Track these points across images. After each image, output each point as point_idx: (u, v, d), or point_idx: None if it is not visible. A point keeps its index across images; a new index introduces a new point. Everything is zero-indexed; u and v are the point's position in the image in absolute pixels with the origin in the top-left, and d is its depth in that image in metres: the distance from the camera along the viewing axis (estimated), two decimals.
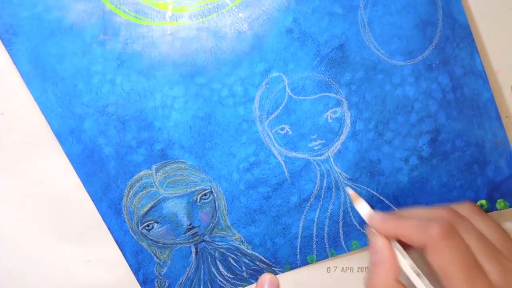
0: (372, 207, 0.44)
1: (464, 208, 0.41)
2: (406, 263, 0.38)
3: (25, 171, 0.45)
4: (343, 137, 0.44)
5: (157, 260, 0.46)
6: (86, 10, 0.42)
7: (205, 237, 0.46)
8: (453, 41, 0.43)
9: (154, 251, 0.46)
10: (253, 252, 0.46)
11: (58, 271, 0.47)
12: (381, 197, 0.45)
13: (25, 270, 0.46)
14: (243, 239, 0.46)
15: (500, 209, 0.44)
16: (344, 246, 0.46)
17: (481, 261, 0.36)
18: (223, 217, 0.46)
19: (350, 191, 0.44)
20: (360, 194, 0.45)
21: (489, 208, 0.44)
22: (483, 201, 0.44)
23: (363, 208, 0.42)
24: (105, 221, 0.45)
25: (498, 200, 0.44)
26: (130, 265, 0.46)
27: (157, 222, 0.45)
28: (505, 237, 0.39)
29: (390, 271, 0.37)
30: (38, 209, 0.46)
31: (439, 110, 0.44)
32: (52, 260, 0.47)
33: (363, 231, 0.46)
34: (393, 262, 0.38)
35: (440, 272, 0.35)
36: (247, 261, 0.46)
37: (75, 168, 0.44)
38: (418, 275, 0.37)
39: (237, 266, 0.47)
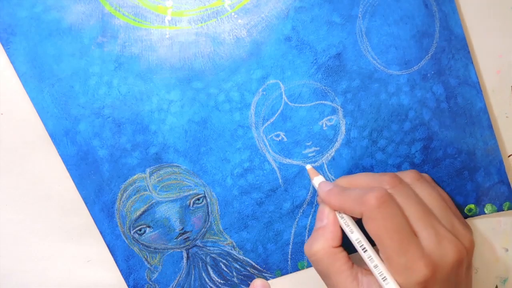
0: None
1: (407, 175, 0.44)
2: (353, 234, 0.42)
3: (22, 171, 0.48)
4: (337, 144, 0.49)
5: (148, 265, 0.50)
6: (85, 11, 0.46)
7: (197, 242, 0.50)
8: (449, 52, 0.48)
9: (146, 256, 0.50)
10: (244, 258, 0.51)
11: (58, 271, 0.50)
12: None
13: (25, 270, 0.50)
14: (234, 244, 0.51)
15: (488, 213, 0.50)
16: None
17: (416, 227, 0.39)
18: (216, 222, 0.50)
19: (308, 167, 0.48)
20: None
21: (478, 212, 0.50)
22: (472, 206, 0.50)
23: (317, 181, 0.47)
24: (97, 225, 0.49)
25: (486, 205, 0.50)
26: (120, 270, 0.50)
27: (149, 227, 0.50)
28: (443, 206, 0.42)
29: (330, 238, 0.42)
30: (37, 209, 0.49)
31: (432, 118, 0.48)
32: (52, 260, 0.50)
33: None
34: (335, 230, 0.42)
35: (376, 241, 0.39)
36: (238, 267, 0.51)
37: (68, 169, 0.48)
38: (363, 248, 0.41)
39: (228, 272, 0.51)
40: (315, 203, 0.50)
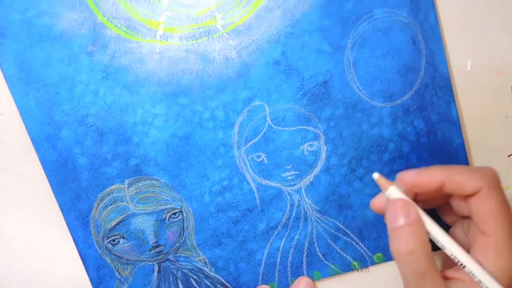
0: None
1: None
2: (431, 223, 0.40)
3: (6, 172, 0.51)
4: (317, 170, 0.52)
5: (119, 276, 0.53)
6: (77, 19, 0.48)
7: (170, 256, 0.53)
8: (432, 89, 0.51)
9: (117, 267, 0.53)
10: (215, 275, 0.53)
11: (49, 269, 0.53)
12: (347, 230, 0.53)
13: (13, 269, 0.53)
14: (207, 260, 0.53)
15: None
16: (305, 275, 0.54)
17: None
18: (190, 238, 0.53)
19: (376, 176, 0.44)
20: (327, 226, 0.53)
21: None
22: None
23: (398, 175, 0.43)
24: (71, 232, 0.51)
25: None
26: (91, 279, 0.52)
27: (123, 238, 0.52)
28: None
29: (424, 233, 0.39)
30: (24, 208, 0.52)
31: (411, 151, 0.52)
32: (41, 256, 0.53)
33: (326, 262, 0.53)
34: (423, 225, 0.40)
35: (489, 218, 0.37)
36: (208, 283, 0.54)
37: (47, 175, 0.50)
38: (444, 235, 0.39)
39: None
40: (290, 226, 0.52)
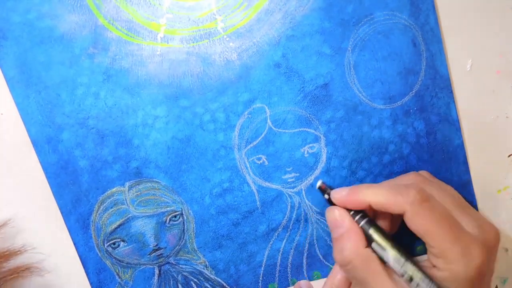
0: None
1: (424, 174, 0.47)
2: (374, 231, 0.42)
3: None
4: (317, 172, 0.53)
5: (119, 280, 0.52)
6: (78, 22, 0.48)
7: (170, 259, 0.53)
8: (433, 90, 0.51)
9: (117, 270, 0.53)
10: (215, 278, 0.53)
11: (48, 273, 0.52)
12: None
13: None
14: (207, 263, 0.53)
15: None
16: (306, 276, 0.54)
17: (456, 216, 0.41)
18: (190, 240, 0.53)
19: (319, 183, 0.48)
20: (327, 227, 0.53)
21: None
22: None
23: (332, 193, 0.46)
24: (71, 235, 0.51)
25: None
26: (91, 283, 0.52)
27: (123, 241, 0.52)
28: (460, 197, 0.46)
29: (358, 239, 0.42)
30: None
31: (411, 153, 0.52)
32: (40, 259, 0.52)
33: (326, 263, 0.53)
34: (359, 231, 0.42)
35: (424, 236, 0.40)
36: (209, 286, 0.53)
37: (47, 178, 0.50)
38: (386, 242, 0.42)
39: None
40: (291, 228, 0.53)
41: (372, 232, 0.43)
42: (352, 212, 0.44)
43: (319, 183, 0.48)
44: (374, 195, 0.42)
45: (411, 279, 0.41)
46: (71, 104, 0.49)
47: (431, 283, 0.40)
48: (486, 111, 0.53)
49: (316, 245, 0.53)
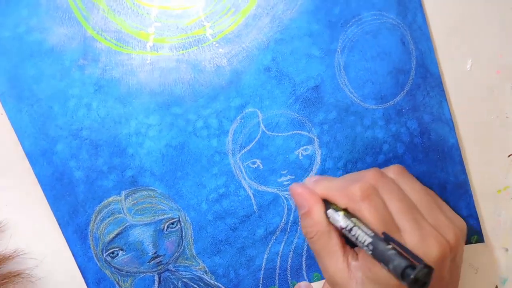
0: None
1: (390, 170, 0.46)
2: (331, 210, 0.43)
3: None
4: (312, 174, 0.52)
5: None
6: (67, 34, 0.48)
7: (170, 266, 0.53)
8: (424, 89, 0.51)
9: (117, 279, 0.53)
10: (215, 283, 0.53)
11: (47, 284, 0.53)
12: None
13: None
14: (207, 269, 0.53)
15: None
16: (306, 278, 0.54)
17: (400, 222, 0.41)
18: (189, 247, 0.53)
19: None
20: None
21: None
22: None
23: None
24: (69, 246, 0.51)
25: None
26: None
27: (122, 250, 0.52)
28: (427, 200, 0.44)
29: (319, 218, 0.43)
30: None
31: (406, 152, 0.52)
32: (39, 271, 0.52)
33: None
34: (319, 209, 0.44)
35: (369, 223, 0.40)
36: None
37: (43, 190, 0.50)
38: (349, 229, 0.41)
39: None
40: (288, 230, 0.53)
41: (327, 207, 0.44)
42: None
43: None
44: (326, 188, 0.45)
45: (351, 229, 0.41)
46: (64, 116, 0.49)
47: (369, 231, 0.40)
48: (486, 111, 0.53)
49: None
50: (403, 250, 0.39)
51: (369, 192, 0.42)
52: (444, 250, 0.41)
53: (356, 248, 0.44)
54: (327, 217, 0.44)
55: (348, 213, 0.42)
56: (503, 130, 0.53)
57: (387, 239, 0.39)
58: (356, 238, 0.41)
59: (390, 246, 0.39)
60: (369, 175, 0.45)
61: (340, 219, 0.42)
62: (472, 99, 0.52)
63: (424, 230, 0.41)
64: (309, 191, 0.45)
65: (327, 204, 0.44)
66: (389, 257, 0.38)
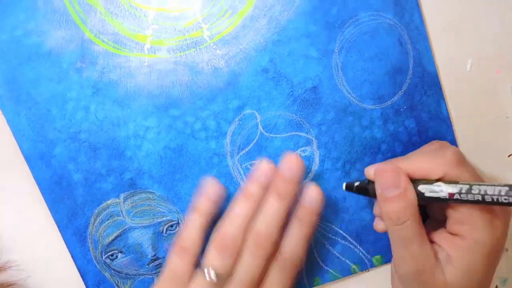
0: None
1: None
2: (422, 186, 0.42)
3: None
4: (311, 175, 0.52)
5: None
6: (65, 37, 0.48)
7: None
8: (421, 88, 0.51)
9: (117, 282, 0.52)
10: None
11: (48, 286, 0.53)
12: (344, 234, 0.53)
13: None
14: None
15: None
16: (306, 282, 0.54)
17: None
18: None
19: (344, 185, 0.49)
20: (324, 230, 0.53)
21: None
22: None
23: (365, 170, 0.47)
24: (69, 249, 0.50)
25: None
26: None
27: (121, 252, 0.52)
28: None
29: (413, 200, 0.41)
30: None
31: (404, 152, 0.51)
32: (39, 274, 0.52)
33: (326, 267, 0.53)
34: (412, 191, 0.42)
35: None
36: None
37: (42, 193, 0.50)
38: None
39: None
40: None
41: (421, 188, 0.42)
42: None
43: (344, 186, 0.49)
44: (413, 162, 0.42)
45: (469, 190, 0.39)
46: (62, 119, 0.49)
47: (496, 182, 0.39)
48: (486, 111, 0.52)
49: (314, 249, 0.53)
50: None
51: (462, 155, 0.42)
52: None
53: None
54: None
55: (449, 181, 0.41)
56: (503, 130, 0.53)
57: None
58: (483, 196, 0.38)
59: None
60: (443, 144, 0.47)
61: (444, 188, 0.40)
62: (472, 99, 0.52)
63: None
64: (399, 169, 0.42)
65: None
66: None
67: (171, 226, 0.51)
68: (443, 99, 0.51)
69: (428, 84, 0.50)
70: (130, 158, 0.50)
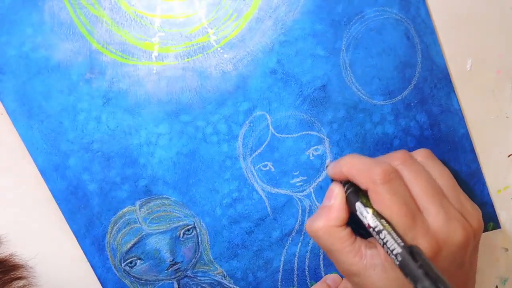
0: None
1: (419, 153, 0.45)
2: (366, 214, 0.41)
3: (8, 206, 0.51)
4: (324, 173, 0.52)
5: None
6: (73, 49, 0.48)
7: (188, 272, 0.53)
8: (431, 81, 0.51)
9: None
10: (235, 286, 0.53)
11: None
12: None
13: None
14: (225, 273, 0.53)
15: None
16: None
17: (425, 204, 0.40)
18: (206, 252, 0.53)
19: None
20: None
21: None
22: None
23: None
24: (88, 258, 0.51)
25: None
26: None
27: (140, 259, 0.52)
28: (453, 185, 0.43)
29: (333, 218, 0.42)
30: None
31: (417, 146, 0.51)
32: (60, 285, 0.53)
33: None
34: (340, 210, 0.43)
35: (382, 214, 0.40)
36: None
37: (59, 204, 0.50)
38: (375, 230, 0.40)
39: None
40: (304, 231, 0.52)
41: (355, 198, 0.43)
42: (345, 185, 0.45)
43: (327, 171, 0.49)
44: (350, 165, 0.43)
45: (379, 232, 0.40)
46: (74, 130, 0.49)
47: (399, 239, 0.39)
48: (486, 111, 0.52)
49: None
50: (430, 266, 0.37)
51: (392, 175, 0.40)
52: (468, 235, 0.40)
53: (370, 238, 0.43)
54: (353, 208, 0.43)
55: (377, 213, 0.41)
56: (503, 130, 0.52)
57: (414, 253, 0.38)
58: (384, 243, 0.40)
59: (419, 263, 0.37)
60: (396, 157, 0.44)
61: (369, 217, 0.41)
62: (472, 99, 0.51)
63: (449, 213, 0.40)
64: (341, 190, 0.45)
65: (355, 191, 0.43)
66: (419, 276, 0.37)
67: (188, 230, 0.51)
68: (454, 91, 0.50)
69: (437, 77, 0.50)
70: (144, 165, 0.50)
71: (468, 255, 0.41)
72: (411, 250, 0.38)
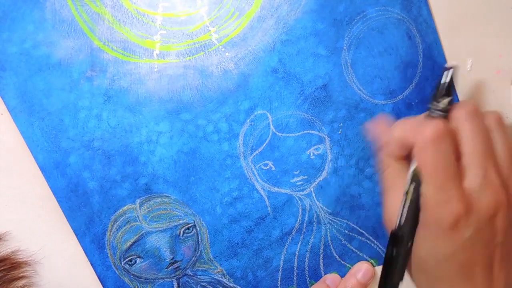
0: None
1: (491, 114, 0.42)
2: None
3: (8, 204, 0.51)
4: (325, 173, 0.51)
5: None
6: (74, 46, 0.48)
7: (187, 271, 0.52)
8: (432, 81, 0.50)
9: (136, 286, 0.52)
10: (234, 285, 0.53)
11: None
12: (361, 230, 0.52)
13: None
14: (225, 272, 0.53)
15: None
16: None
17: (468, 163, 0.38)
18: (206, 251, 0.52)
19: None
20: (340, 227, 0.52)
21: None
22: None
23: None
24: (87, 256, 0.50)
25: None
26: None
27: (139, 257, 0.52)
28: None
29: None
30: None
31: None
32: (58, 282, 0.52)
33: (343, 262, 0.52)
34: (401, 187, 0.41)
35: (421, 171, 0.39)
36: None
37: (59, 202, 0.49)
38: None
39: None
40: (304, 230, 0.52)
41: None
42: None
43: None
44: (403, 124, 0.43)
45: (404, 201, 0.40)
46: (75, 128, 0.48)
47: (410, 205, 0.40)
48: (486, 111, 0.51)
49: (331, 246, 0.52)
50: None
51: (440, 133, 0.38)
52: (498, 204, 0.38)
53: None
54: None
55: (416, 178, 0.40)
56: None
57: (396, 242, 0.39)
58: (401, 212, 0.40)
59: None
60: (464, 108, 0.41)
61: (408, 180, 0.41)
62: (472, 99, 0.51)
63: (487, 178, 0.38)
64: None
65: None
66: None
67: (188, 228, 0.51)
68: (455, 90, 0.50)
69: (439, 77, 0.49)
70: (144, 164, 0.49)
71: (500, 227, 0.38)
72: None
